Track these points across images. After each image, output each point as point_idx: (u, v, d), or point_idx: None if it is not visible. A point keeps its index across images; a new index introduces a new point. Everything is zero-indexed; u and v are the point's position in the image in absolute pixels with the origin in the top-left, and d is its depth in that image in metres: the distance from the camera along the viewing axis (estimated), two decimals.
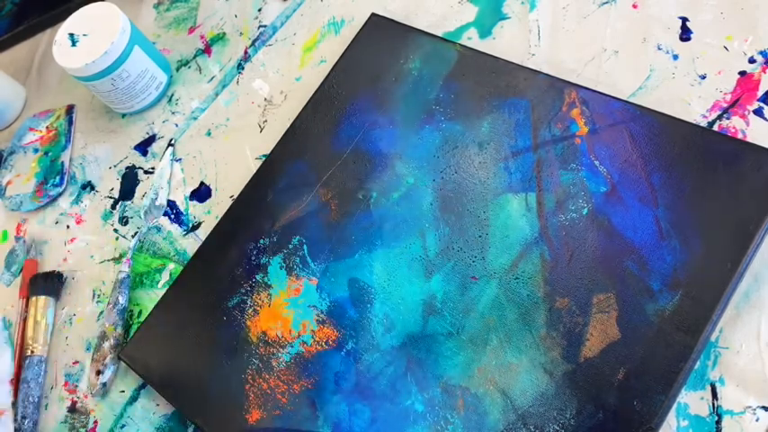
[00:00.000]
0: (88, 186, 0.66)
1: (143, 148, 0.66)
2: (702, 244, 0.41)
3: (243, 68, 0.65)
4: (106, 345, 0.55)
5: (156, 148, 0.65)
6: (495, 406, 0.42)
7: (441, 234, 0.48)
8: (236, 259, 0.54)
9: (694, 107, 0.47)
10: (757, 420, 0.38)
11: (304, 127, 0.57)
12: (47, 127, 0.71)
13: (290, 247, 0.52)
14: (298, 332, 0.49)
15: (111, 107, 0.68)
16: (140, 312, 0.57)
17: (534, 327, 0.43)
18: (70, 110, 0.71)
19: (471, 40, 0.56)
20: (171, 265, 0.58)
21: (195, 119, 0.65)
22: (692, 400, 0.40)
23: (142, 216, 0.62)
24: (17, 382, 0.57)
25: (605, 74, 0.51)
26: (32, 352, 0.58)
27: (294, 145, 0.57)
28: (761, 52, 0.47)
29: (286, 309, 0.50)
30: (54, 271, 0.62)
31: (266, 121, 0.62)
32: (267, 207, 0.55)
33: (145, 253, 0.60)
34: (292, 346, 0.49)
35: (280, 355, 0.49)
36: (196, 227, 0.59)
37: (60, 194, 0.67)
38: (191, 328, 0.53)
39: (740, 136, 0.45)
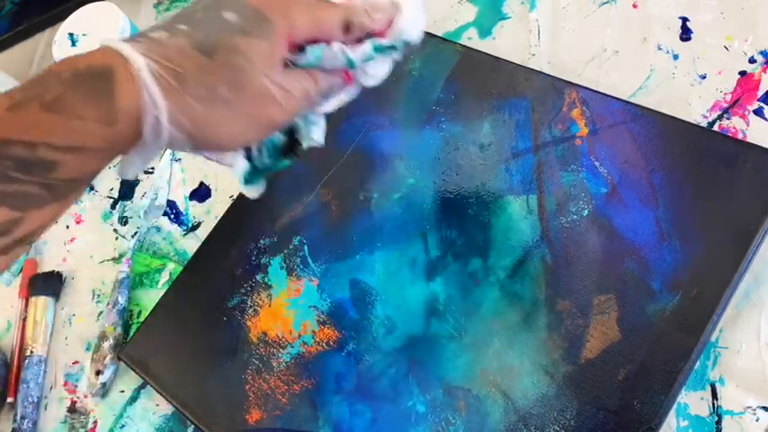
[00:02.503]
0: (88, 186, 0.66)
1: None
2: (703, 244, 0.41)
3: None
4: (106, 345, 0.55)
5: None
6: (496, 407, 0.42)
7: (442, 236, 0.48)
8: (236, 259, 0.54)
9: (694, 107, 0.47)
10: (757, 420, 0.38)
11: None
12: None
13: (291, 247, 0.52)
14: (298, 332, 0.49)
15: None
16: (140, 312, 0.57)
17: (535, 329, 0.43)
18: None
19: (471, 40, 0.56)
20: (171, 265, 0.58)
21: None
22: (692, 400, 0.40)
23: (142, 216, 0.62)
24: (17, 382, 0.57)
25: (605, 74, 0.51)
26: (32, 352, 0.58)
27: None
28: (761, 52, 0.47)
29: (286, 309, 0.50)
30: (54, 271, 0.62)
31: None
32: (267, 207, 0.55)
33: (145, 253, 0.60)
34: (293, 347, 0.49)
35: (280, 355, 0.49)
36: (196, 227, 0.59)
37: None
38: (191, 329, 0.53)
39: (740, 136, 0.45)
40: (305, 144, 0.39)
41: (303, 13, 0.34)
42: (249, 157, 0.38)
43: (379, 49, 0.36)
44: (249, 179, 0.38)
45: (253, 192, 0.39)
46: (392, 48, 0.37)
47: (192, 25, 0.33)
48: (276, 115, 0.35)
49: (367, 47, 0.36)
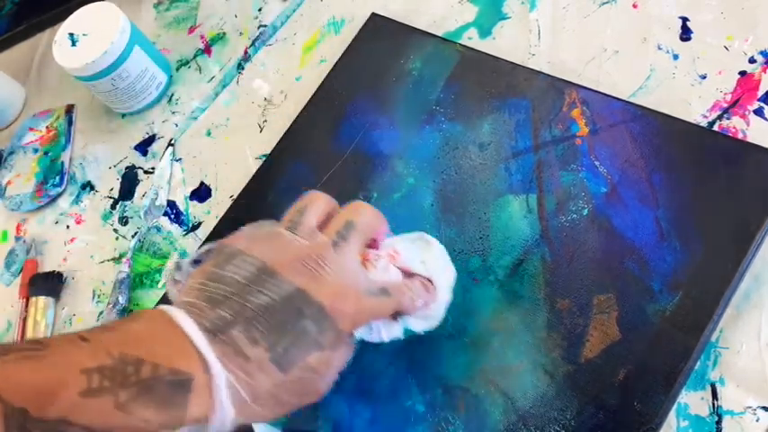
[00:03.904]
0: (88, 186, 0.66)
1: (143, 148, 0.66)
2: (703, 244, 0.41)
3: (243, 68, 0.65)
4: None
5: (156, 148, 0.65)
6: (495, 407, 0.42)
7: (442, 235, 0.48)
8: None
9: (694, 107, 0.47)
10: (757, 420, 0.38)
11: (304, 127, 0.57)
12: (47, 127, 0.71)
13: None
14: None
15: (111, 107, 0.68)
16: None
17: (535, 328, 0.43)
18: (70, 110, 0.71)
19: (471, 40, 0.56)
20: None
21: (195, 119, 0.65)
22: (692, 400, 0.40)
23: (142, 216, 0.62)
24: None
25: (606, 74, 0.51)
26: None
27: (294, 145, 0.57)
28: (761, 52, 0.47)
29: None
30: (54, 271, 0.62)
31: (266, 121, 0.62)
32: (267, 207, 0.55)
33: (145, 253, 0.60)
34: None
35: None
36: (196, 227, 0.59)
37: (60, 194, 0.67)
38: None
39: (740, 136, 0.45)
40: None
41: (367, 313, 0.36)
42: None
43: (407, 333, 0.40)
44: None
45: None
46: (417, 333, 0.40)
47: (272, 330, 0.33)
48: (316, 399, 0.37)
49: (399, 331, 0.39)
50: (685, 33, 0.50)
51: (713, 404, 0.39)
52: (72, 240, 0.64)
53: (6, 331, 0.61)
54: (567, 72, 0.51)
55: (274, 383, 0.33)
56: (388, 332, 0.39)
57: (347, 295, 0.35)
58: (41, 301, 0.60)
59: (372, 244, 0.40)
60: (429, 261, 0.41)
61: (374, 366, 0.46)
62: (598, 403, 0.40)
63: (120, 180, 0.65)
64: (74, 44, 0.62)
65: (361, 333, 0.38)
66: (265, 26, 0.66)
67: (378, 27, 0.59)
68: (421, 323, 0.40)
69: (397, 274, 0.40)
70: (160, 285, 0.58)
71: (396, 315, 0.39)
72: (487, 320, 0.44)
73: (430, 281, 0.40)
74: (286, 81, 0.63)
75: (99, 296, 0.60)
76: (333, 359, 0.35)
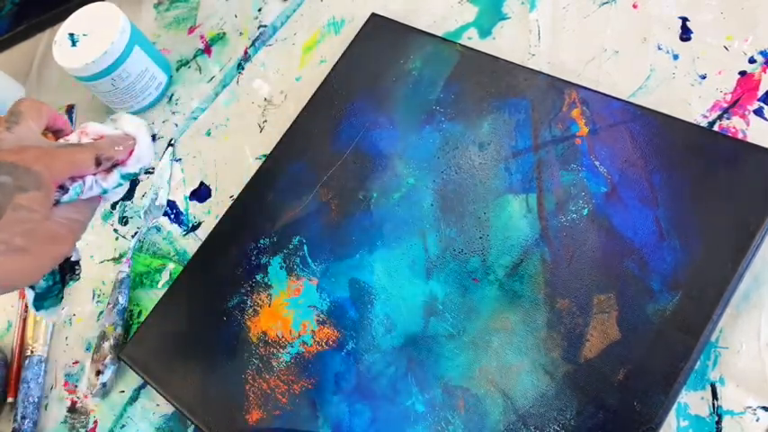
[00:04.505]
0: None
1: None
2: (703, 244, 0.41)
3: (243, 68, 0.65)
4: (106, 345, 0.55)
5: (156, 148, 0.65)
6: (495, 406, 0.42)
7: (441, 235, 0.48)
8: (236, 259, 0.54)
9: (694, 107, 0.47)
10: (757, 420, 0.38)
11: (304, 127, 0.57)
12: None
13: (291, 247, 0.52)
14: (298, 332, 0.49)
15: (111, 107, 0.68)
16: (140, 312, 0.57)
17: (535, 328, 0.43)
18: (70, 110, 0.71)
19: (471, 40, 0.56)
20: (171, 265, 0.58)
21: (195, 119, 0.65)
22: (692, 400, 0.40)
23: (142, 216, 0.62)
24: (17, 382, 0.57)
25: (605, 74, 0.51)
26: (32, 352, 0.58)
27: (294, 145, 0.57)
28: (761, 52, 0.47)
29: (286, 309, 0.50)
30: (54, 271, 0.62)
31: (266, 121, 0.62)
32: (267, 207, 0.55)
33: (145, 253, 0.60)
34: (292, 347, 0.49)
35: (280, 355, 0.49)
36: (196, 227, 0.59)
37: None
38: (190, 328, 0.53)
39: (740, 136, 0.45)
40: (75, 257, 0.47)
41: (60, 160, 0.40)
42: (32, 287, 0.45)
43: (125, 177, 0.45)
44: (39, 305, 0.45)
45: (49, 316, 0.46)
46: (134, 174, 0.45)
47: None
48: (64, 248, 0.42)
49: (116, 176, 0.44)
50: (685, 33, 0.50)
51: (713, 404, 0.39)
52: None
53: (6, 331, 0.61)
54: (566, 72, 0.51)
55: None
56: (105, 182, 0.43)
57: (30, 148, 0.40)
58: None
59: (61, 134, 0.46)
60: (119, 124, 0.46)
61: (374, 366, 0.46)
62: (598, 403, 0.40)
63: None
64: (74, 44, 0.62)
65: (76, 190, 0.41)
66: (265, 26, 0.66)
67: (378, 27, 0.59)
68: (134, 166, 0.45)
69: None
70: (160, 285, 0.58)
71: (111, 169, 0.44)
72: (487, 320, 0.44)
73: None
74: (286, 81, 0.63)
75: (99, 296, 0.60)
76: (47, 199, 0.39)
